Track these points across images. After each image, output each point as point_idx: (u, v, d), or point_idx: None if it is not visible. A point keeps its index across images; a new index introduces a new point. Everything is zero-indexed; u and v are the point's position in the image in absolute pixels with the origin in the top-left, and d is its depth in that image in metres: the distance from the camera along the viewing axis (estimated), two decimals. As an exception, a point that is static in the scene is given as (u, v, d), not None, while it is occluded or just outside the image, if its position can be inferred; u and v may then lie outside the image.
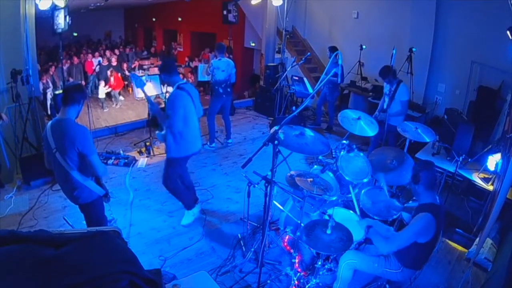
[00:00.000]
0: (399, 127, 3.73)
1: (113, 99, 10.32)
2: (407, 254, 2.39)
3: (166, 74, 3.29)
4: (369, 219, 2.71)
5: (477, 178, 3.60)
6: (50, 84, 8.96)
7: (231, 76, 5.35)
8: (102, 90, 9.89)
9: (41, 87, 8.68)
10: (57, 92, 5.45)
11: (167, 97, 3.95)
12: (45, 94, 8.51)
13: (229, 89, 5.37)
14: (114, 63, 10.83)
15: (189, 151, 3.44)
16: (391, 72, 4.59)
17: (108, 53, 11.91)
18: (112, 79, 10.09)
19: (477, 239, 3.37)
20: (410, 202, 3.13)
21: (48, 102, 8.19)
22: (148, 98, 3.65)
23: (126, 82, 11.41)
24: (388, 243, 2.31)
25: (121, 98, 10.70)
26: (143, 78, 5.62)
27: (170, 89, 3.34)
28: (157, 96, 9.32)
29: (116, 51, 12.38)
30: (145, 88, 5.42)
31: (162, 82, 3.43)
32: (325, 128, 6.52)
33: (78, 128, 2.44)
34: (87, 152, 2.44)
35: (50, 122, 2.48)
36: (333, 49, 5.92)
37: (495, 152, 3.59)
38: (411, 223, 2.32)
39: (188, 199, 3.69)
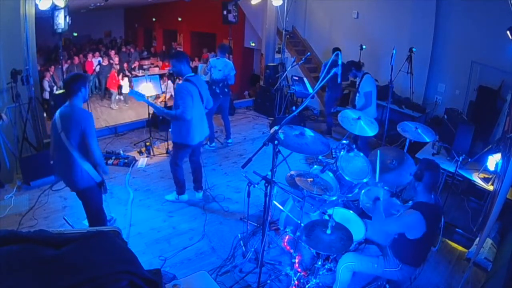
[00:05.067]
0: (399, 127, 3.73)
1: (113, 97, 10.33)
2: (402, 250, 2.42)
3: (176, 60, 3.45)
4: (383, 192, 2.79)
5: (477, 178, 3.60)
6: (52, 83, 8.97)
7: (229, 77, 5.34)
8: (126, 84, 10.02)
9: (46, 84, 8.71)
10: (57, 92, 5.44)
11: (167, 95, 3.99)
12: (51, 91, 8.52)
13: (226, 89, 5.37)
14: (116, 62, 10.83)
15: (194, 140, 3.64)
16: (353, 65, 4.63)
17: (112, 53, 11.91)
18: (118, 75, 10.17)
19: (477, 239, 3.36)
20: (410, 202, 3.12)
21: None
22: (151, 104, 3.74)
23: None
24: (381, 222, 2.46)
25: (122, 98, 10.71)
26: (144, 78, 5.65)
27: (170, 87, 3.46)
28: (157, 96, 9.36)
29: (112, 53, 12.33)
30: (145, 88, 5.47)
31: (173, 71, 3.64)
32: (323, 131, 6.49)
33: (85, 111, 2.69)
34: (88, 133, 2.61)
35: (59, 110, 2.70)
36: (335, 50, 5.92)
37: (495, 152, 3.59)
38: (401, 215, 2.41)
39: (182, 186, 3.98)
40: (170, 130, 3.76)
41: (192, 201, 4.10)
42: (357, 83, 4.76)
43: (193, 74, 3.55)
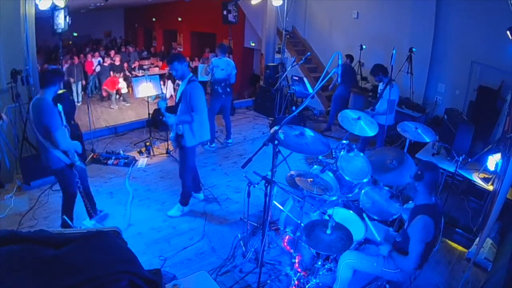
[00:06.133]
0: (399, 127, 3.73)
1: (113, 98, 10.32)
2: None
3: (178, 62, 3.43)
4: (387, 233, 2.68)
5: (477, 178, 3.60)
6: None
7: (231, 76, 5.34)
8: (124, 85, 10.12)
9: None
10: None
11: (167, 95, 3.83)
12: None
13: (228, 89, 5.37)
14: (117, 62, 10.83)
15: (203, 138, 3.69)
16: (381, 70, 4.65)
17: (112, 53, 11.89)
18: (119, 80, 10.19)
19: (477, 239, 3.37)
20: (410, 202, 3.13)
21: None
22: (165, 113, 3.49)
23: (126, 82, 11.40)
24: (409, 260, 2.31)
25: (121, 98, 10.71)
26: (144, 78, 5.65)
27: (170, 87, 3.44)
28: (157, 96, 9.36)
29: (112, 53, 12.30)
30: (145, 88, 5.47)
31: (174, 73, 3.52)
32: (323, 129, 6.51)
33: (47, 106, 2.87)
34: (50, 126, 2.86)
35: (32, 101, 2.98)
36: (347, 57, 6.27)
37: (495, 152, 3.59)
38: (413, 232, 2.29)
39: (188, 196, 3.88)
40: (171, 136, 3.69)
41: (192, 201, 4.09)
42: (380, 88, 4.77)
43: (191, 74, 3.54)
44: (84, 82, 10.26)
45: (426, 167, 2.36)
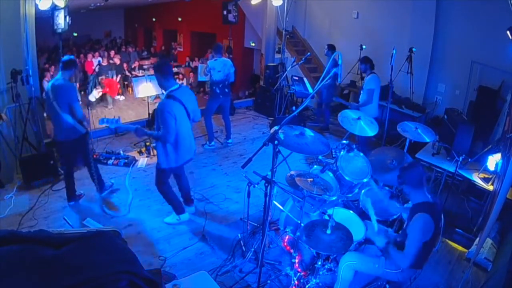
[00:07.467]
0: (399, 127, 3.73)
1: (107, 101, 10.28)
2: None
3: (159, 75, 3.13)
4: (385, 232, 2.67)
5: (477, 178, 3.60)
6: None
7: (229, 75, 5.32)
8: (94, 94, 9.85)
9: (46, 85, 8.68)
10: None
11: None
12: None
13: (226, 90, 5.35)
14: (117, 62, 10.82)
15: (182, 160, 3.40)
16: (370, 62, 4.79)
17: (112, 53, 11.89)
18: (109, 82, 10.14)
19: (477, 239, 3.37)
20: (410, 202, 3.12)
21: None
22: (128, 128, 3.52)
23: (126, 82, 11.39)
24: (404, 256, 2.30)
25: (122, 98, 10.69)
26: (144, 78, 5.65)
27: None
28: (157, 96, 9.36)
29: (112, 53, 12.28)
30: (145, 88, 5.47)
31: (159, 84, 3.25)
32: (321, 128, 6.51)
33: (69, 86, 3.57)
34: (72, 101, 3.53)
35: (50, 82, 3.58)
36: (331, 48, 6.02)
37: (495, 152, 3.59)
38: (411, 229, 2.29)
39: (178, 204, 3.66)
40: (154, 145, 3.66)
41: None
42: (364, 80, 4.88)
43: (177, 86, 3.17)
44: (78, 85, 10.21)
45: (403, 168, 2.41)
